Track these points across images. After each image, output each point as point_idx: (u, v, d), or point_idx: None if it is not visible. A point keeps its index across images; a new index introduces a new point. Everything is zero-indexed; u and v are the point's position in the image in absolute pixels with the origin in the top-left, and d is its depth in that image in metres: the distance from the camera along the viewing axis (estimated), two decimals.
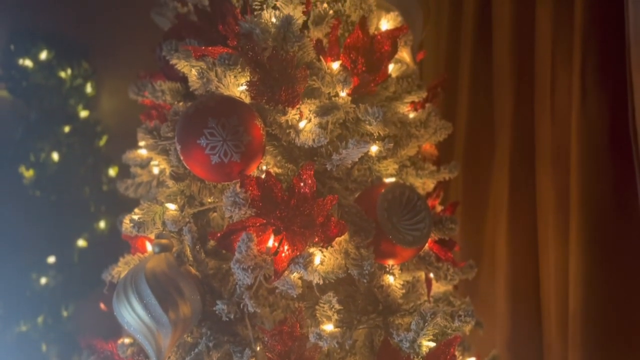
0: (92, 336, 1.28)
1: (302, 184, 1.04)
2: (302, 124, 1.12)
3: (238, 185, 1.05)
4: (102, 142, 2.33)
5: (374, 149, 1.19)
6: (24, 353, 2.09)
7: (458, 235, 1.41)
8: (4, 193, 2.15)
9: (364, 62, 1.18)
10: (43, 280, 2.15)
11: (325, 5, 1.22)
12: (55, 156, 2.21)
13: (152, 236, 1.17)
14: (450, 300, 1.29)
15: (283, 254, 1.04)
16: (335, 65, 1.17)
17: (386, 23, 1.26)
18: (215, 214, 1.22)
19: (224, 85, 1.12)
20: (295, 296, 1.05)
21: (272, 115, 1.13)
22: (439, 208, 1.34)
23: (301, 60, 1.13)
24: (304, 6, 1.15)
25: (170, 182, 1.16)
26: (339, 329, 1.06)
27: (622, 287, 1.42)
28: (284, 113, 1.12)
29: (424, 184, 1.33)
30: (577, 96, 1.46)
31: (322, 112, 1.12)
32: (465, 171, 1.75)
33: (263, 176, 1.07)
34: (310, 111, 1.12)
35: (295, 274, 1.04)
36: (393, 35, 1.20)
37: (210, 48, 1.12)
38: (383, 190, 1.13)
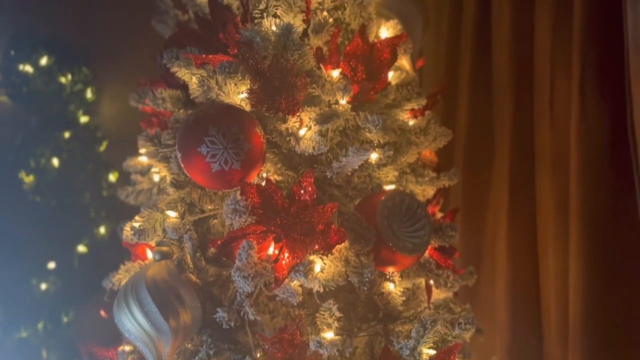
0: (93, 342, 1.28)
1: (302, 192, 1.05)
2: (302, 132, 1.13)
3: (238, 192, 1.05)
4: (102, 147, 2.33)
5: (374, 156, 1.19)
6: (24, 359, 2.09)
7: (458, 241, 1.42)
8: (4, 198, 2.15)
9: (364, 70, 1.19)
10: (43, 286, 2.15)
11: (325, 13, 1.23)
12: (55, 162, 2.21)
13: (153, 243, 1.18)
14: (450, 307, 1.29)
15: (283, 262, 1.04)
16: (335, 73, 1.17)
17: (386, 31, 1.27)
18: (215, 220, 1.22)
19: (224, 93, 1.13)
20: (295, 304, 1.05)
21: (272, 123, 1.13)
22: (439, 215, 1.34)
23: (301, 68, 1.14)
24: (304, 14, 1.15)
25: (170, 190, 1.16)
26: (340, 336, 1.06)
27: (622, 293, 1.42)
28: (284, 121, 1.13)
29: (424, 190, 1.33)
30: (576, 103, 1.47)
31: (322, 119, 1.12)
32: (465, 178, 1.75)
33: (263, 184, 1.07)
34: (310, 119, 1.13)
35: (295, 281, 1.04)
36: (393, 43, 1.21)
37: (210, 56, 1.13)
38: (383, 198, 1.13)
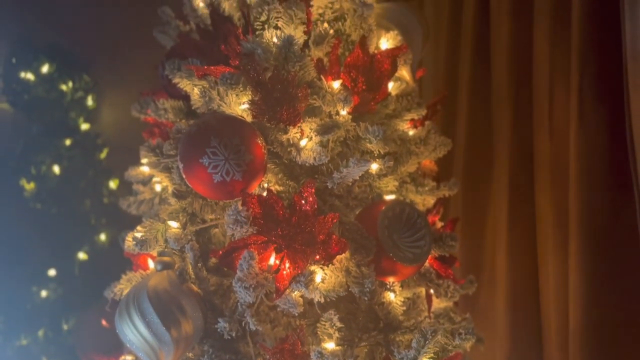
0: (93, 350, 1.28)
1: (303, 202, 1.05)
2: (303, 143, 1.13)
3: (240, 203, 1.06)
4: (103, 154, 2.34)
5: (374, 166, 1.20)
6: None
7: (458, 250, 1.42)
8: (5, 205, 2.15)
9: (364, 81, 1.20)
10: (44, 293, 2.16)
11: (325, 25, 1.23)
12: (56, 169, 2.22)
13: (154, 253, 1.18)
14: (451, 316, 1.30)
15: (284, 272, 1.05)
16: (336, 84, 1.18)
17: (386, 42, 1.28)
18: (217, 230, 1.23)
19: (226, 103, 1.13)
20: (296, 314, 1.05)
21: (273, 134, 1.14)
22: (439, 224, 1.35)
23: (302, 79, 1.15)
24: (305, 26, 1.16)
25: (172, 200, 1.17)
26: (340, 347, 1.06)
27: (622, 302, 1.42)
28: (286, 131, 1.14)
29: (424, 200, 1.34)
30: (575, 112, 1.47)
31: (323, 130, 1.13)
32: (465, 186, 1.76)
33: (264, 194, 1.08)
34: (311, 130, 1.14)
35: (296, 292, 1.04)
36: (393, 54, 1.22)
37: (212, 67, 1.14)
38: (383, 208, 1.14)
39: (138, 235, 1.14)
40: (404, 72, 1.32)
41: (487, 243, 1.74)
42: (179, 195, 1.16)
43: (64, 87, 2.28)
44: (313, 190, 1.06)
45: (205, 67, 1.15)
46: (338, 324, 1.06)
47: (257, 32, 1.18)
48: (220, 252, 1.07)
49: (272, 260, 1.06)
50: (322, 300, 1.04)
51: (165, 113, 1.26)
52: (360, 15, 1.27)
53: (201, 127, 1.08)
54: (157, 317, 1.04)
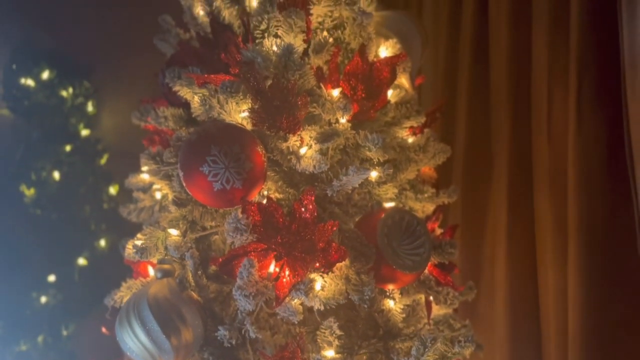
0: (93, 356, 1.28)
1: (303, 209, 1.06)
2: (303, 150, 1.14)
3: (240, 211, 1.06)
4: (103, 160, 2.35)
5: (373, 174, 1.20)
6: None
7: (457, 256, 1.42)
8: (5, 211, 2.15)
9: (364, 89, 1.20)
10: (43, 299, 2.16)
11: (325, 33, 1.24)
12: (56, 175, 2.23)
13: (155, 260, 1.19)
14: (450, 323, 1.30)
15: (284, 280, 1.05)
16: (336, 92, 1.18)
17: (385, 50, 1.28)
18: (217, 237, 1.23)
19: (226, 112, 1.14)
20: (296, 322, 1.06)
21: (273, 142, 1.15)
22: (439, 231, 1.35)
23: (302, 87, 1.15)
24: (304, 34, 1.17)
25: (172, 208, 1.17)
26: (340, 354, 1.07)
27: (621, 308, 1.42)
28: (285, 139, 1.14)
29: (424, 207, 1.34)
30: (574, 118, 1.48)
31: (322, 138, 1.14)
32: (464, 193, 1.76)
33: (264, 202, 1.09)
34: (311, 138, 1.14)
35: (296, 300, 1.05)
36: (392, 62, 1.22)
37: (212, 76, 1.15)
38: (383, 216, 1.14)
39: (138, 243, 1.14)
40: (403, 80, 1.33)
41: (486, 249, 1.74)
42: (179, 203, 1.16)
43: (64, 93, 2.29)
44: (313, 197, 1.06)
45: (206, 75, 1.15)
46: (338, 332, 1.06)
47: (257, 41, 1.19)
48: (220, 260, 1.07)
49: (272, 267, 1.06)
50: (322, 307, 1.05)
51: (165, 121, 1.27)
52: (360, 24, 1.27)
53: (201, 135, 1.08)
54: (157, 325, 1.04)
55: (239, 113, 1.14)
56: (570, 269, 1.47)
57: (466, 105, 1.79)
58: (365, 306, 1.09)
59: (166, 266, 1.14)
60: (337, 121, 1.18)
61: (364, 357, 1.14)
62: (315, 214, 1.06)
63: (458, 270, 1.40)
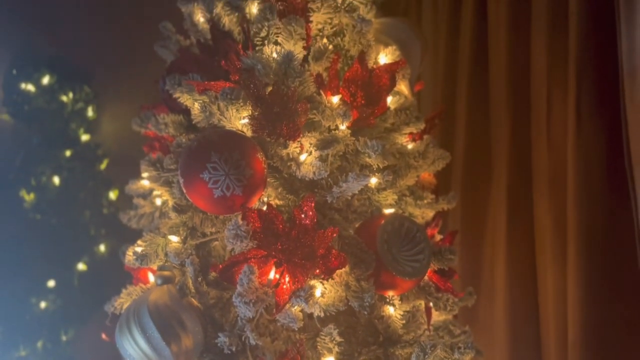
0: None
1: (302, 216, 1.06)
2: (303, 157, 1.14)
3: (240, 217, 1.07)
4: (103, 165, 2.35)
5: (373, 180, 1.21)
6: None
7: (457, 262, 1.43)
8: (5, 216, 2.15)
9: (363, 96, 1.21)
10: (43, 305, 2.15)
11: (325, 40, 1.25)
12: (56, 180, 2.23)
13: (155, 266, 1.19)
14: (450, 329, 1.30)
15: (284, 286, 1.05)
16: (335, 99, 1.19)
17: (384, 57, 1.29)
18: (217, 243, 1.24)
19: (226, 118, 1.14)
20: (296, 329, 1.06)
21: (273, 148, 1.15)
22: (438, 237, 1.35)
23: (302, 94, 1.16)
24: (304, 41, 1.17)
25: (172, 214, 1.18)
26: None
27: (620, 313, 1.43)
28: (285, 146, 1.15)
29: (423, 213, 1.34)
30: (573, 123, 1.49)
31: (322, 145, 1.14)
32: (464, 199, 1.77)
33: (264, 208, 1.09)
34: (310, 144, 1.15)
35: (296, 306, 1.05)
36: (391, 69, 1.23)
37: (212, 83, 1.15)
38: (383, 222, 1.15)
39: (138, 249, 1.14)
40: (403, 87, 1.33)
41: (485, 254, 1.75)
42: (179, 209, 1.16)
43: (64, 98, 2.29)
44: (313, 204, 1.06)
45: (206, 82, 1.16)
46: (338, 338, 1.06)
47: (257, 48, 1.19)
48: (221, 267, 1.07)
49: (272, 274, 1.06)
50: (322, 314, 1.05)
51: (165, 127, 1.27)
52: (359, 31, 1.28)
53: (202, 142, 1.09)
54: (157, 332, 1.05)
55: (239, 120, 1.14)
56: (570, 272, 1.48)
57: (466, 111, 1.80)
58: (365, 313, 1.09)
59: (166, 273, 1.14)
60: (336, 128, 1.19)
61: None
62: (315, 220, 1.06)
63: (458, 276, 1.40)
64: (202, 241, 1.19)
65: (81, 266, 2.24)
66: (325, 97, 1.19)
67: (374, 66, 1.25)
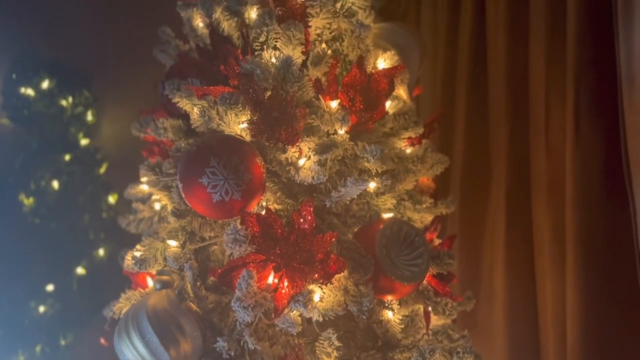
0: None
1: (301, 220, 1.06)
2: (301, 162, 1.14)
3: (239, 222, 1.07)
4: (102, 169, 2.35)
5: (372, 185, 1.21)
6: None
7: (456, 267, 1.43)
8: (4, 220, 2.15)
9: (362, 100, 1.21)
10: (41, 309, 2.15)
11: (323, 45, 1.25)
12: (55, 184, 2.23)
13: (154, 271, 1.19)
14: (449, 334, 1.30)
15: (283, 291, 1.05)
16: (334, 104, 1.19)
17: (383, 62, 1.29)
18: (215, 247, 1.24)
19: (225, 123, 1.15)
20: (295, 333, 1.06)
21: (272, 153, 1.15)
22: (437, 241, 1.35)
23: (300, 99, 1.16)
24: (303, 46, 1.18)
25: (171, 219, 1.18)
26: None
27: (619, 319, 1.43)
28: (284, 151, 1.15)
29: (422, 217, 1.35)
30: (571, 130, 1.49)
31: (321, 150, 1.14)
32: (463, 203, 1.77)
33: (263, 212, 1.09)
34: (309, 149, 1.15)
35: (295, 311, 1.05)
36: (390, 74, 1.23)
37: (211, 87, 1.15)
38: (381, 227, 1.15)
39: (137, 254, 1.15)
40: (401, 91, 1.34)
41: (485, 259, 1.75)
42: (178, 214, 1.16)
43: (63, 103, 2.29)
44: (311, 208, 1.07)
45: (205, 87, 1.16)
46: (336, 343, 1.06)
47: (256, 53, 1.20)
48: (219, 271, 1.07)
49: (271, 279, 1.06)
50: (321, 319, 1.05)
51: (164, 132, 1.27)
52: (358, 36, 1.28)
53: (200, 146, 1.09)
54: (156, 337, 1.05)
55: (238, 124, 1.14)
56: (569, 276, 1.48)
57: (464, 116, 1.80)
58: (364, 317, 1.09)
59: (165, 277, 1.15)
60: (335, 132, 1.19)
61: None
62: (314, 224, 1.06)
63: (456, 280, 1.40)
64: (201, 245, 1.19)
65: (80, 270, 2.24)
66: (324, 102, 1.19)
67: (373, 71, 1.26)
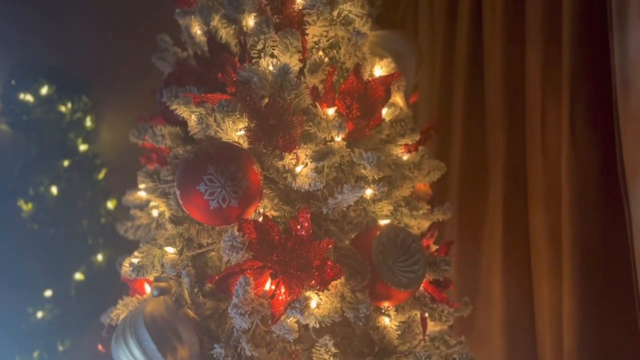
0: None
1: (298, 227, 1.07)
2: (298, 169, 1.15)
3: (236, 229, 1.07)
4: (101, 175, 2.35)
5: (369, 192, 1.21)
6: None
7: (453, 272, 1.43)
8: (3, 226, 2.16)
9: (359, 108, 1.22)
10: (39, 314, 2.15)
11: (320, 53, 1.26)
12: (54, 190, 2.23)
13: (151, 277, 1.19)
14: (446, 340, 1.30)
15: (280, 297, 1.06)
16: (331, 111, 1.20)
17: (379, 69, 1.30)
18: (213, 253, 1.24)
19: (222, 130, 1.15)
20: (292, 340, 1.06)
21: (269, 160, 1.16)
22: (434, 248, 1.36)
23: (298, 106, 1.17)
24: (300, 54, 1.19)
25: (169, 225, 1.18)
26: None
27: (615, 323, 1.43)
28: (281, 158, 1.15)
29: (419, 224, 1.35)
30: (567, 136, 1.50)
31: (318, 157, 1.15)
32: (460, 209, 1.78)
33: (260, 219, 1.10)
34: (306, 156, 1.15)
35: (291, 318, 1.05)
36: (386, 82, 1.24)
37: (209, 95, 1.16)
38: (378, 233, 1.15)
39: (135, 261, 1.15)
40: (398, 99, 1.35)
41: (482, 265, 1.75)
42: (175, 221, 1.17)
43: (62, 108, 2.30)
44: (308, 215, 1.07)
45: (203, 94, 1.17)
46: (333, 349, 1.07)
47: (253, 60, 1.21)
48: (217, 278, 1.08)
49: (268, 285, 1.07)
50: (318, 325, 1.05)
51: (162, 139, 1.28)
52: (355, 44, 1.29)
53: (198, 154, 1.10)
54: (153, 344, 1.05)
55: (236, 131, 1.15)
56: (565, 282, 1.48)
57: (461, 122, 1.81)
58: (361, 323, 1.09)
59: (163, 284, 1.15)
60: (332, 139, 1.20)
61: None
62: (311, 231, 1.07)
63: (454, 287, 1.40)
64: (198, 252, 1.19)
65: (78, 276, 2.24)
66: (320, 109, 1.20)
67: (370, 78, 1.26)
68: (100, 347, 1.30)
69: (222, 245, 1.06)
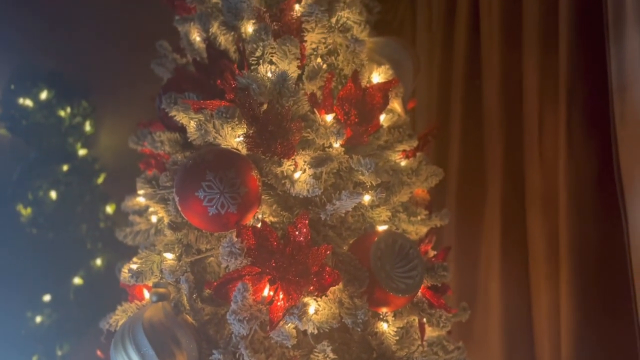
0: None
1: (297, 233, 1.07)
2: (297, 175, 1.16)
3: (234, 235, 1.08)
4: (100, 179, 2.36)
5: (366, 197, 1.22)
6: None
7: (452, 278, 1.44)
8: (1, 231, 2.16)
9: (357, 114, 1.22)
10: (38, 319, 2.15)
11: (319, 59, 1.27)
12: (53, 194, 2.23)
13: (150, 283, 1.19)
14: (444, 345, 1.30)
15: (278, 303, 1.06)
16: (329, 118, 1.21)
17: (377, 76, 1.31)
18: (212, 259, 1.24)
19: (221, 136, 1.16)
20: (290, 346, 1.06)
21: (268, 166, 1.16)
22: (432, 253, 1.36)
23: (296, 113, 1.18)
24: (298, 61, 1.19)
25: (168, 231, 1.19)
26: None
27: (612, 329, 1.44)
28: (280, 164, 1.16)
29: (417, 229, 1.36)
30: (564, 143, 1.51)
31: (316, 163, 1.15)
32: (458, 215, 1.78)
33: (259, 225, 1.10)
34: (304, 162, 1.16)
35: (290, 323, 1.05)
36: (384, 88, 1.25)
37: (208, 101, 1.17)
38: (376, 239, 1.16)
39: (134, 266, 1.15)
40: (396, 105, 1.35)
41: (480, 271, 1.76)
42: (174, 226, 1.17)
43: (62, 113, 2.30)
44: (307, 221, 1.07)
45: (202, 100, 1.18)
46: (331, 355, 1.07)
47: (252, 67, 1.21)
48: (215, 284, 1.08)
49: (266, 291, 1.07)
50: (316, 331, 1.05)
51: (161, 145, 1.29)
52: (353, 51, 1.30)
53: (197, 160, 1.10)
54: (152, 350, 1.05)
55: (234, 138, 1.16)
56: (563, 288, 1.49)
57: (459, 128, 1.82)
58: (359, 329, 1.10)
59: (161, 290, 1.15)
60: (330, 146, 1.20)
61: None
62: (309, 237, 1.07)
63: (452, 292, 1.41)
64: (197, 258, 1.20)
65: (77, 280, 2.24)
66: (319, 116, 1.20)
67: (368, 85, 1.27)
68: (99, 352, 1.30)
69: (221, 251, 1.07)
